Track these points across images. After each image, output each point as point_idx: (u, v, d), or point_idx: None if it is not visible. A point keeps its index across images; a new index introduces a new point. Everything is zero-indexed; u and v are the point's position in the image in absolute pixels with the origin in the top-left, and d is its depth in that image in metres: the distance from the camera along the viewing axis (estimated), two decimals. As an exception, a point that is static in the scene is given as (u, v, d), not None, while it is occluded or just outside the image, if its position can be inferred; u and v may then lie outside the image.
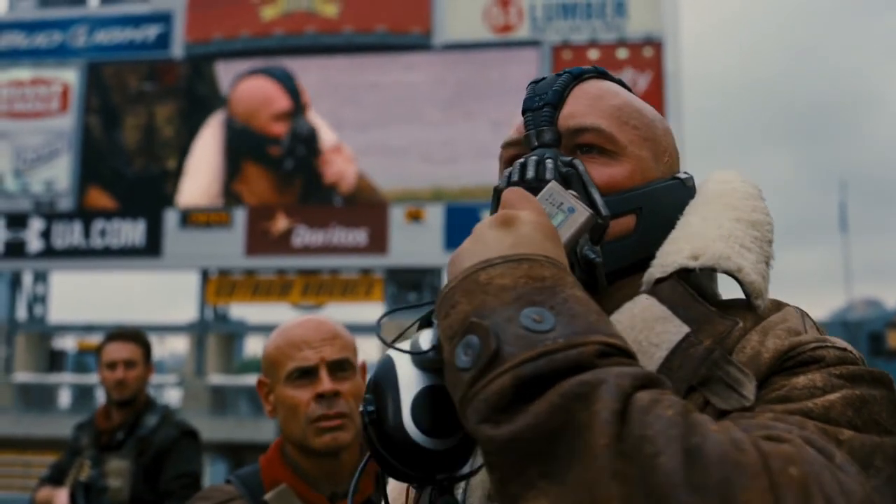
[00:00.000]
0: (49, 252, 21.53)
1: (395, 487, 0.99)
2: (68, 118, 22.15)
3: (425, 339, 0.78)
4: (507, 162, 0.98)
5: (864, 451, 0.70)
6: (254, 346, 32.17)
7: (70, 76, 22.34)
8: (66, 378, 22.98)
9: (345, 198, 20.87)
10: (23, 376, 21.50)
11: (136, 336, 3.63)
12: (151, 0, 22.54)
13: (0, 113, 22.42)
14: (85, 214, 21.51)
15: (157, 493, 3.35)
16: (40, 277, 22.88)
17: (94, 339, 20.68)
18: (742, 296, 0.89)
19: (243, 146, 21.27)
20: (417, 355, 0.78)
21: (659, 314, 0.85)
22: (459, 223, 19.22)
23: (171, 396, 20.94)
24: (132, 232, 21.24)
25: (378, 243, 20.28)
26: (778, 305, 0.89)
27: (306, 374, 1.78)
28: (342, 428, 1.77)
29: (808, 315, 0.88)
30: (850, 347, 0.83)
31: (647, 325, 0.84)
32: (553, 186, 0.84)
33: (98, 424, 3.55)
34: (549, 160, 0.89)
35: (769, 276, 0.90)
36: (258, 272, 20.88)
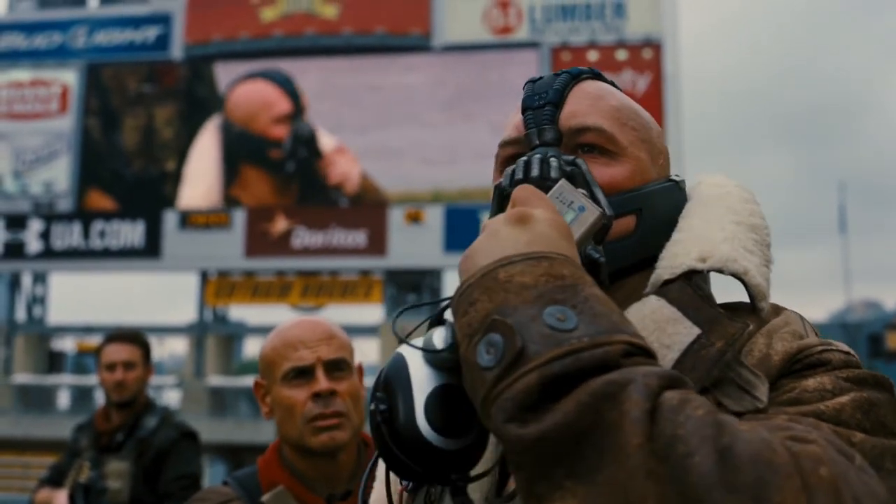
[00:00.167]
0: (48, 253, 21.53)
1: (378, 500, 0.99)
2: (68, 119, 22.15)
3: (438, 337, 0.77)
4: (504, 161, 0.98)
5: (875, 454, 0.71)
6: (253, 348, 32.18)
7: (69, 77, 22.34)
8: (65, 379, 22.96)
9: (350, 198, 20.88)
10: (22, 377, 21.49)
11: (135, 337, 3.62)
12: (151, 1, 22.55)
13: (-1, 114, 22.46)
14: (84, 215, 21.51)
15: (157, 494, 3.34)
16: (39, 278, 22.87)
17: (94, 341, 20.68)
18: (736, 299, 0.90)
19: (242, 150, 21.26)
20: (432, 353, 0.76)
21: (669, 315, 0.85)
22: (459, 225, 19.23)
23: (171, 398, 20.93)
24: (131, 233, 21.23)
25: (377, 245, 20.28)
26: (777, 310, 0.89)
27: (303, 374, 1.78)
28: (339, 427, 1.76)
29: (805, 319, 0.89)
30: (852, 351, 0.84)
31: (659, 327, 0.84)
32: (563, 185, 0.83)
33: (97, 426, 3.55)
34: (553, 159, 0.89)
35: (770, 280, 0.91)
36: (257, 273, 20.88)
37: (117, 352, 3.52)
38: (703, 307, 0.86)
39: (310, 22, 21.72)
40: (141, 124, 22.09)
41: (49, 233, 21.50)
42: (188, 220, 21.05)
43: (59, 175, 21.83)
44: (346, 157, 20.97)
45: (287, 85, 21.34)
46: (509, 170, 0.92)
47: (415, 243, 19.95)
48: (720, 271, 0.88)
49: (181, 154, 21.74)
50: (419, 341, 0.79)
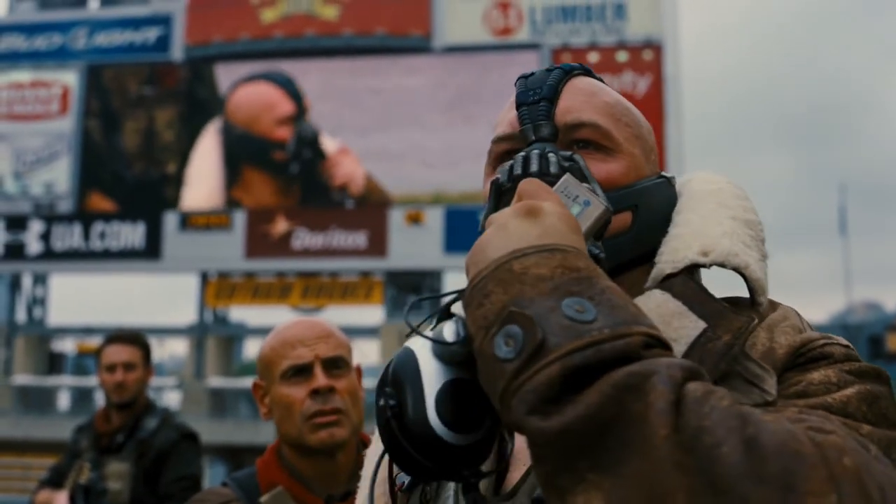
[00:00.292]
0: (48, 254, 21.53)
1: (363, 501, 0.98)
2: (68, 120, 22.16)
3: (448, 330, 0.76)
4: (498, 157, 0.98)
5: (882, 445, 0.72)
6: (253, 349, 32.14)
7: (70, 78, 22.35)
8: (65, 380, 22.98)
9: (355, 199, 20.90)
10: (22, 378, 21.49)
11: (135, 338, 3.62)
12: (151, 2, 22.56)
13: (0, 115, 22.44)
14: (84, 217, 21.52)
15: (157, 495, 3.34)
16: (40, 280, 22.88)
17: (94, 342, 20.68)
18: (732, 293, 0.90)
19: (243, 152, 21.26)
20: (444, 346, 0.75)
21: (675, 309, 0.85)
22: (459, 226, 19.23)
23: (171, 399, 20.95)
24: (132, 234, 21.24)
25: (378, 246, 20.29)
26: (773, 304, 0.90)
27: (301, 372, 1.78)
28: (338, 424, 1.76)
29: (800, 313, 0.90)
30: (850, 344, 0.85)
31: (664, 321, 0.84)
32: (568, 179, 0.83)
33: (97, 427, 3.54)
34: (551, 154, 0.89)
35: (767, 275, 0.92)
36: (258, 275, 20.88)
37: (117, 353, 3.52)
38: (708, 301, 0.86)
39: (310, 23, 21.73)
40: (141, 126, 22.10)
41: (49, 234, 21.51)
42: (188, 221, 21.06)
43: (59, 176, 21.84)
44: (349, 157, 20.98)
45: (289, 86, 21.34)
46: (506, 165, 0.91)
47: (415, 245, 19.95)
48: (722, 265, 0.88)
49: (182, 156, 21.75)
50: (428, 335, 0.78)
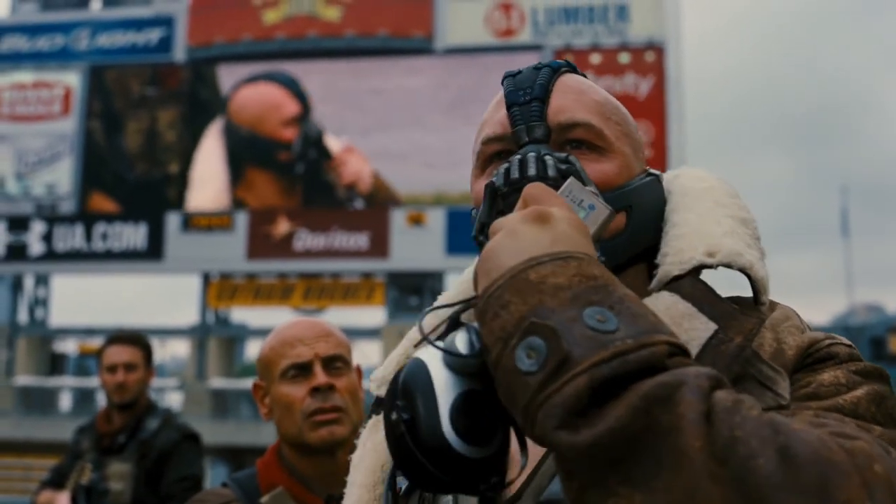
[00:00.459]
0: (50, 255, 21.55)
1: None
2: (70, 121, 22.18)
3: (461, 340, 0.73)
4: (488, 158, 0.96)
5: (893, 446, 0.71)
6: (255, 350, 32.10)
7: (72, 79, 22.38)
8: (66, 381, 22.99)
9: (364, 198, 20.91)
10: (24, 379, 21.50)
11: (136, 339, 3.62)
12: (154, 3, 22.59)
13: (2, 116, 22.46)
14: (86, 217, 21.54)
15: (159, 496, 3.34)
16: (42, 280, 22.90)
17: (96, 343, 20.68)
18: (734, 293, 0.89)
19: (247, 153, 21.28)
20: (459, 358, 0.72)
21: (685, 311, 0.84)
22: (461, 227, 19.22)
23: (172, 400, 20.96)
24: (134, 235, 21.26)
25: (379, 247, 20.29)
26: (772, 304, 0.89)
27: (301, 371, 1.79)
28: (338, 422, 1.76)
29: (798, 313, 0.89)
30: (852, 343, 0.85)
31: (675, 322, 0.82)
32: (572, 183, 0.82)
33: (99, 428, 3.54)
34: (547, 157, 0.87)
35: (768, 273, 0.91)
36: (259, 276, 20.89)
37: (118, 353, 3.52)
38: (717, 302, 0.86)
39: (312, 24, 21.75)
40: (144, 127, 22.12)
41: (51, 235, 21.53)
42: (190, 222, 21.08)
43: (61, 177, 21.86)
44: (355, 155, 21.00)
45: (293, 86, 21.35)
46: (502, 168, 0.89)
47: (417, 246, 19.96)
48: (728, 266, 0.87)
49: (184, 157, 21.77)
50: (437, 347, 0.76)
